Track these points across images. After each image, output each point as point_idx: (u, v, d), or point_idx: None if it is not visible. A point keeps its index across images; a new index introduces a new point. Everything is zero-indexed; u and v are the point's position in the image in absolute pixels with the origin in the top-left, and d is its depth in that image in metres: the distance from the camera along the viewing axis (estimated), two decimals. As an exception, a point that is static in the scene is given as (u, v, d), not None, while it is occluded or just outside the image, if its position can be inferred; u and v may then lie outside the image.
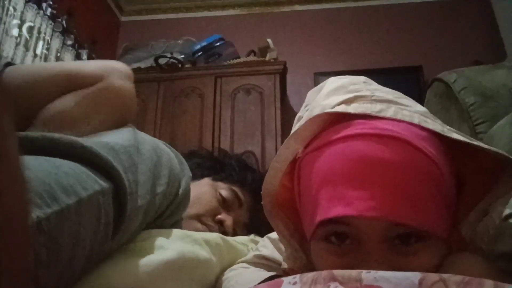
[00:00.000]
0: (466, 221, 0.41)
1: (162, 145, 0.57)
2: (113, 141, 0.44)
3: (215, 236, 0.63)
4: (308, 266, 0.47)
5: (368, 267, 0.36)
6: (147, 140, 0.53)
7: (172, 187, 0.55)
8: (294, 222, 0.49)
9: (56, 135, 0.39)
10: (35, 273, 0.28)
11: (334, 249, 0.40)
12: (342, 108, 0.42)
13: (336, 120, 0.43)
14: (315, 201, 0.40)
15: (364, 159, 0.37)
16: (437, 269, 0.37)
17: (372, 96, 0.43)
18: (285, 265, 0.50)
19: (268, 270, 0.59)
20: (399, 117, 0.40)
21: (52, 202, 0.31)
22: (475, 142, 0.39)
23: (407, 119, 0.40)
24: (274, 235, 0.63)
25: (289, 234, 0.49)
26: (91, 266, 0.41)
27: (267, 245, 0.62)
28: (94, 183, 0.37)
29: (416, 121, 0.40)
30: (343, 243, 0.39)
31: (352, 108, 0.42)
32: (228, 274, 0.60)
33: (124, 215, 0.41)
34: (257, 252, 0.63)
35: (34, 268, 0.26)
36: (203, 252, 0.57)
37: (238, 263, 0.64)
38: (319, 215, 0.39)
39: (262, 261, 0.61)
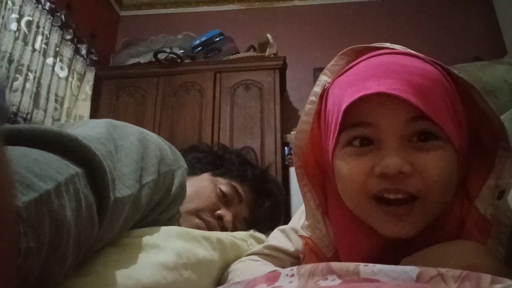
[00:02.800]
0: (481, 196, 0.43)
1: (151, 136, 0.56)
2: (84, 133, 0.44)
3: (215, 233, 0.63)
4: (324, 240, 0.50)
5: (386, 159, 0.40)
6: (132, 133, 0.52)
7: (165, 177, 0.55)
8: (319, 197, 0.52)
9: (21, 125, 0.39)
10: (15, 262, 0.28)
11: (356, 151, 0.43)
12: (366, 44, 0.49)
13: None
14: (340, 101, 0.43)
15: (386, 63, 0.43)
16: (446, 177, 0.40)
17: (391, 44, 0.49)
18: (302, 233, 0.52)
19: (276, 262, 0.61)
20: (415, 53, 0.46)
21: (27, 191, 0.31)
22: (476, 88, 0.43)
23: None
24: (284, 227, 0.65)
25: (314, 205, 0.51)
26: (84, 255, 0.41)
27: (277, 236, 0.64)
28: (67, 167, 0.37)
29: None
30: (366, 146, 0.43)
31: (376, 44, 0.48)
32: (236, 265, 0.61)
33: (107, 198, 0.41)
34: (266, 243, 0.64)
35: (14, 257, 0.26)
36: (202, 250, 0.56)
37: (247, 255, 0.65)
38: (344, 104, 0.42)
39: (271, 252, 0.63)
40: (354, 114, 0.42)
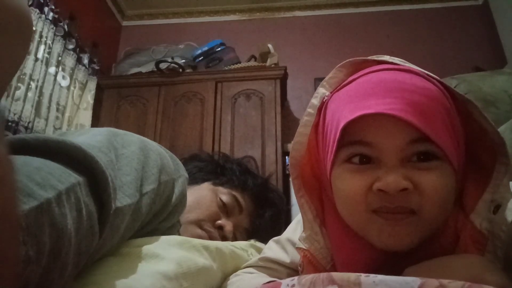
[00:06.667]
0: (476, 210, 0.43)
1: (152, 145, 0.56)
2: (85, 142, 0.44)
3: (215, 242, 0.63)
4: (323, 252, 0.50)
5: (387, 176, 0.39)
6: (134, 141, 0.52)
7: (165, 186, 0.55)
8: (316, 207, 0.52)
9: (25, 135, 0.39)
10: (16, 269, 0.28)
11: (355, 167, 0.43)
12: (365, 55, 0.49)
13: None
14: (339, 117, 0.43)
15: (386, 80, 0.42)
16: (444, 195, 0.40)
17: (390, 57, 0.48)
18: (300, 245, 0.52)
19: (273, 273, 0.60)
20: (414, 67, 0.46)
21: (28, 199, 0.31)
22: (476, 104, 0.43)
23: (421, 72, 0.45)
24: (279, 237, 0.64)
25: (312, 216, 0.51)
26: (84, 264, 0.41)
27: (272, 247, 0.63)
28: (69, 176, 0.37)
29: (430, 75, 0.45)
30: (365, 163, 0.42)
31: (374, 57, 0.48)
32: (232, 279, 0.61)
33: (109, 207, 0.41)
34: (261, 255, 0.63)
35: (14, 265, 0.26)
36: (202, 259, 0.56)
37: (243, 268, 0.64)
38: (342, 121, 0.41)
39: (266, 264, 0.61)
40: (353, 132, 0.42)
